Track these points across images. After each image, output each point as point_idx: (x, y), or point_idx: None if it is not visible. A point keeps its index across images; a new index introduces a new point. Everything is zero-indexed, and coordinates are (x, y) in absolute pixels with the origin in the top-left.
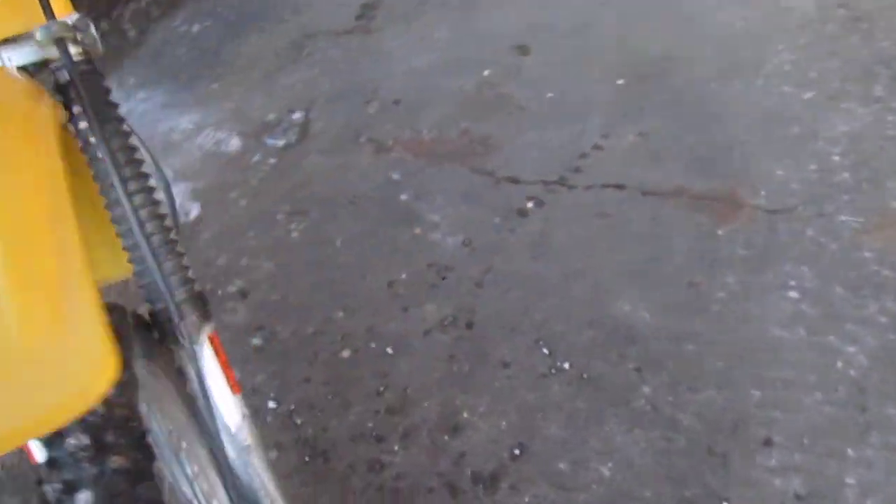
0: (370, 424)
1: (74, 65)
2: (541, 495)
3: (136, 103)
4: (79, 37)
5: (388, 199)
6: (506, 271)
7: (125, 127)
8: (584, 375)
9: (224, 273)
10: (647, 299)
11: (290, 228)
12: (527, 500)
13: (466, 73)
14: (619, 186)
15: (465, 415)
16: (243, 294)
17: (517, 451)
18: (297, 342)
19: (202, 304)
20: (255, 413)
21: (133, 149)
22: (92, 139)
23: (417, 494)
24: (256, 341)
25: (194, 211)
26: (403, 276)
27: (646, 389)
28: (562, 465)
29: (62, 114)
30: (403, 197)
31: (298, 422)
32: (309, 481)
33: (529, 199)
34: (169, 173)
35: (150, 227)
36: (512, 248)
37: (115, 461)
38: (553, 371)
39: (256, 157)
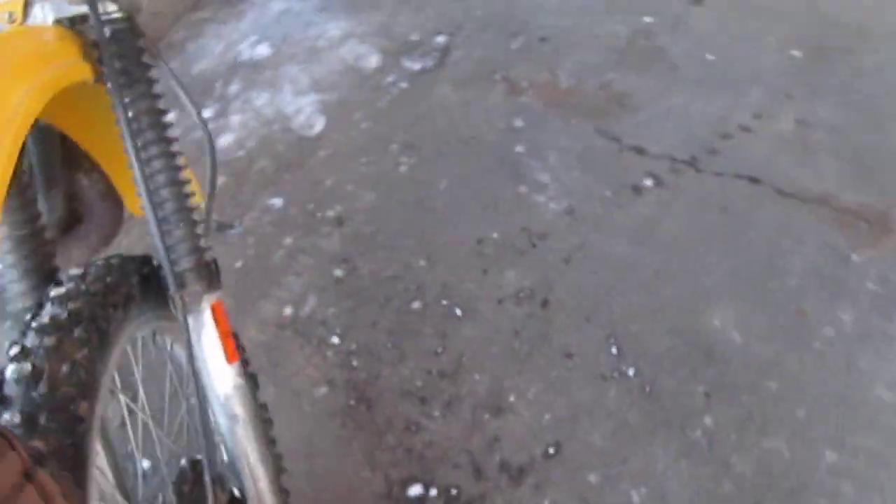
0: (419, 383)
1: (104, 24)
2: (561, 502)
3: (296, 2)
4: None
5: (503, 148)
6: (599, 252)
7: (153, 89)
8: (647, 388)
9: (328, 196)
10: (743, 318)
11: (399, 161)
12: (546, 503)
13: (625, 17)
14: (754, 180)
15: (512, 398)
16: (339, 221)
17: (552, 450)
18: (375, 283)
19: (208, 274)
20: (318, 345)
21: (158, 112)
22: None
23: (442, 467)
24: (338, 272)
25: (318, 126)
26: (494, 234)
27: (707, 420)
28: (592, 478)
29: (95, 69)
30: (519, 148)
31: (354, 364)
32: (347, 425)
33: (649, 175)
34: (305, 82)
35: (162, 193)
36: (614, 227)
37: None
38: (615, 374)
39: (390, 79)
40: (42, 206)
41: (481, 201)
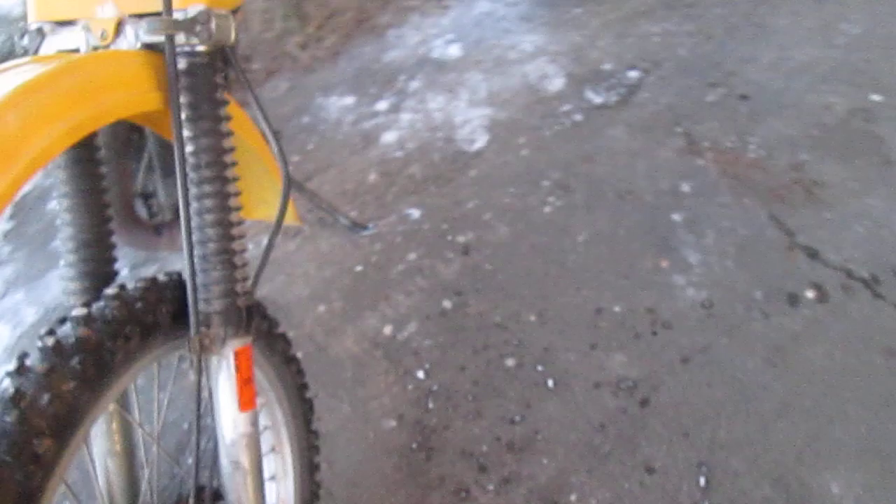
0: (484, 448)
1: (177, 55)
2: None
3: (502, 6)
4: (197, 29)
5: (659, 212)
6: (724, 361)
7: (221, 126)
8: None
9: (464, 219)
10: (870, 494)
11: (546, 200)
12: None
13: (848, 89)
14: None
15: (573, 497)
16: (466, 250)
17: None
18: (478, 326)
19: (237, 320)
20: (402, 375)
21: (219, 151)
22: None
23: None
24: (447, 304)
25: (479, 142)
26: (616, 307)
27: None
28: None
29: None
30: (676, 216)
31: (430, 405)
32: (401, 469)
33: (814, 286)
34: (483, 94)
35: (207, 232)
36: (752, 336)
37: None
38: None
39: (566, 107)
40: (161, 191)
41: (615, 266)
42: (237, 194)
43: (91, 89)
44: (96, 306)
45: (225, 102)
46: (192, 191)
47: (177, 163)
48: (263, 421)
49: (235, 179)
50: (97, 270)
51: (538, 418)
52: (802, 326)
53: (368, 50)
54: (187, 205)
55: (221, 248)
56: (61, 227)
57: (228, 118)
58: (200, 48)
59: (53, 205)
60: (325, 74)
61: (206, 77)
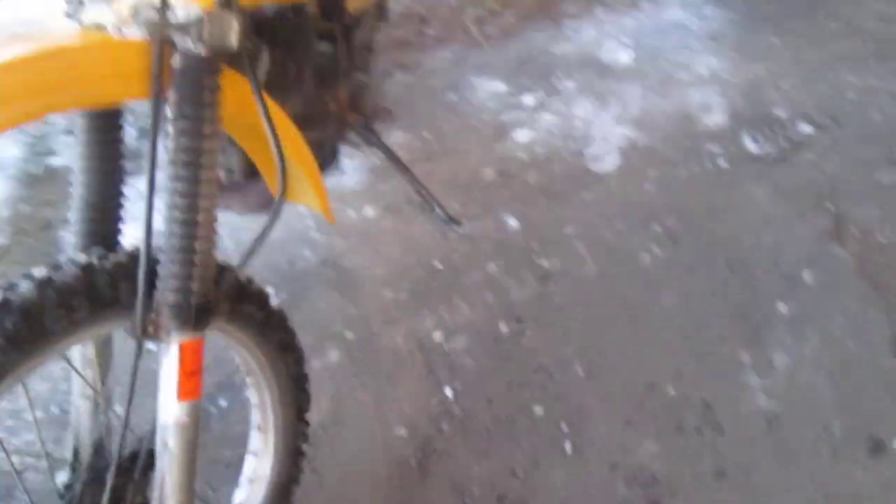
0: (476, 492)
1: (176, 54)
2: None
3: (696, 19)
4: (190, 30)
5: (766, 295)
6: (763, 490)
7: (207, 128)
8: None
9: (554, 243)
10: None
11: (649, 247)
12: None
13: None
14: None
15: None
16: (544, 277)
17: None
18: (524, 361)
19: (185, 316)
20: (431, 387)
21: (197, 152)
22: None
23: None
24: (504, 329)
25: (606, 164)
26: (671, 390)
27: None
28: None
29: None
30: (782, 307)
31: (443, 427)
32: (392, 481)
33: None
34: (634, 110)
35: (171, 227)
36: (807, 473)
37: None
38: None
39: (714, 148)
40: (231, 150)
41: (691, 343)
42: (211, 196)
43: (73, 74)
44: (58, 270)
45: (214, 104)
46: (169, 185)
47: (147, 155)
48: (252, 398)
49: (211, 181)
50: (99, 233)
51: (540, 481)
52: (872, 482)
53: (539, 37)
54: (151, 197)
55: (182, 244)
56: (73, 186)
57: (214, 120)
58: (195, 49)
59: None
60: (488, 54)
61: (194, 78)
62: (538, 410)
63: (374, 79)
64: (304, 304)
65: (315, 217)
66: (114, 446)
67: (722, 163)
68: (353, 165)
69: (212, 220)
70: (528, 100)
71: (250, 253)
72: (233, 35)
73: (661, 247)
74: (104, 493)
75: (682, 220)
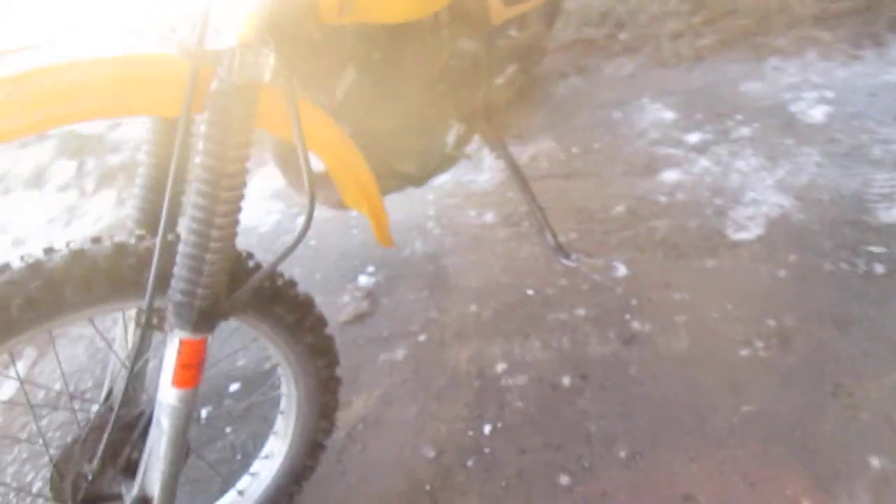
0: None
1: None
2: None
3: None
4: (224, 61)
5: (844, 445)
6: None
7: (231, 153)
8: None
9: (653, 307)
10: None
11: (752, 342)
12: None
13: None
14: None
15: None
16: (628, 341)
17: None
18: (571, 421)
19: (187, 317)
20: (471, 418)
21: (218, 173)
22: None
23: None
24: (565, 380)
25: (745, 234)
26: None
27: None
28: None
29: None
30: (874, 462)
31: (468, 464)
32: (402, 497)
33: None
34: (802, 179)
35: (187, 236)
36: None
37: None
38: None
39: (877, 249)
40: None
41: (750, 464)
42: (228, 213)
43: (116, 84)
44: (95, 244)
45: (244, 130)
46: (191, 196)
47: (171, 171)
48: (282, 387)
49: (231, 199)
50: (155, 220)
51: None
52: None
53: (732, 69)
54: (169, 210)
55: (194, 253)
56: (138, 175)
57: (240, 145)
58: (229, 78)
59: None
60: (670, 75)
61: (225, 105)
62: (564, 480)
63: (538, 82)
64: (395, 292)
65: (437, 206)
66: (115, 403)
67: (878, 268)
68: (492, 164)
69: (227, 236)
70: (693, 138)
71: (280, 259)
72: (266, 70)
73: (767, 346)
74: (102, 440)
75: (803, 322)
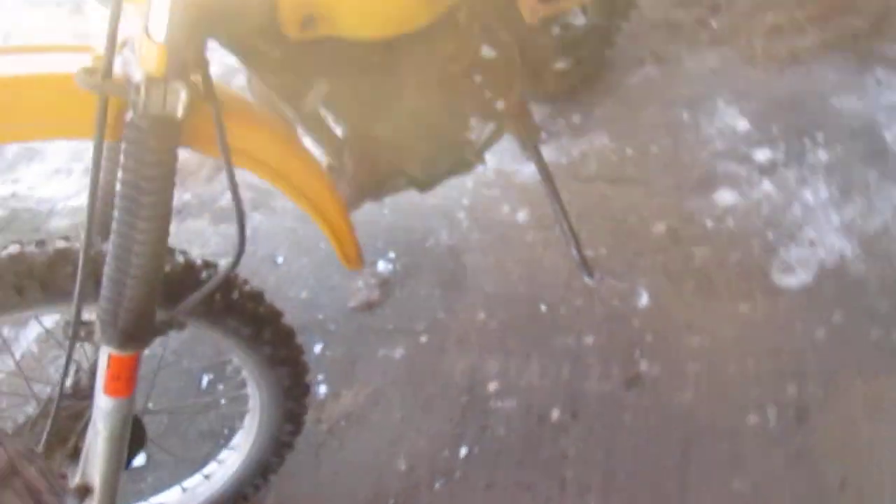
0: None
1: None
2: None
3: None
4: (130, 93)
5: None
6: None
7: (146, 185)
8: None
9: (667, 348)
10: None
11: (762, 407)
12: None
13: None
14: None
15: None
16: (632, 382)
17: None
18: (550, 459)
19: (111, 332)
20: (452, 436)
21: (134, 202)
22: None
23: None
24: (555, 414)
25: (790, 279)
26: None
27: None
28: None
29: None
30: None
31: (436, 486)
32: None
33: None
34: (873, 224)
35: (109, 257)
36: None
37: None
38: None
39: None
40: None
41: None
42: (148, 243)
43: (31, 107)
44: (37, 247)
45: (161, 163)
46: (113, 218)
47: (88, 196)
48: (247, 387)
49: (151, 230)
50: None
51: None
52: None
53: (829, 77)
54: (91, 218)
55: (116, 277)
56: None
57: (156, 178)
58: (143, 111)
59: None
60: (755, 77)
61: (139, 137)
62: None
63: (612, 65)
64: (408, 283)
65: (473, 196)
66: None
67: None
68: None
69: (149, 259)
70: (761, 155)
71: (218, 280)
72: (179, 105)
73: (780, 417)
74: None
75: (829, 396)
